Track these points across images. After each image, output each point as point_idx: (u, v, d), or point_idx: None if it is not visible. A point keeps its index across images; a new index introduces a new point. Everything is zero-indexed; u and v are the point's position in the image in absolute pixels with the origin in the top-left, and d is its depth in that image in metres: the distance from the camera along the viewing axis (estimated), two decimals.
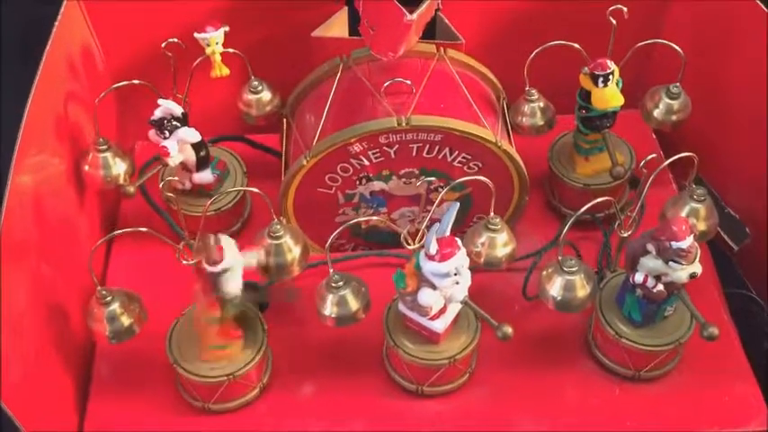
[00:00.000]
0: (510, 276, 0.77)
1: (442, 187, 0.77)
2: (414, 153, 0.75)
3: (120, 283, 0.76)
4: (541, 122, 0.80)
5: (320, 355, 0.74)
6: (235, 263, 0.63)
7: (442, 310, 0.67)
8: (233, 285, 0.64)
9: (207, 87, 0.78)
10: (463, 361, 0.70)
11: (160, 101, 0.73)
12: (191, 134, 0.75)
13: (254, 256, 0.65)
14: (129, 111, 0.85)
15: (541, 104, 0.79)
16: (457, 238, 0.64)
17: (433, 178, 0.76)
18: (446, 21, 0.81)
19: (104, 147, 0.75)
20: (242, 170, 0.82)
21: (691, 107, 0.79)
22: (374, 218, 0.70)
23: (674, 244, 0.62)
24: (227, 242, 0.63)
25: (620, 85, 0.76)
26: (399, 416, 0.71)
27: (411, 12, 0.70)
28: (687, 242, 0.62)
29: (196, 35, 0.74)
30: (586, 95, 0.76)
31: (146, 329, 0.68)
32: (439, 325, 0.68)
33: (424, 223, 0.66)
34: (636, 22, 0.76)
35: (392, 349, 0.70)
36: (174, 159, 0.75)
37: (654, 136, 0.90)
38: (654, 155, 0.67)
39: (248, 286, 0.75)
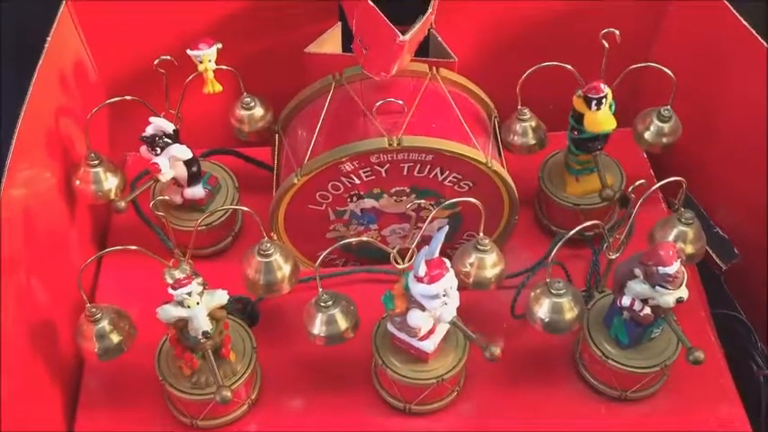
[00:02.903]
0: (498, 294, 0.77)
1: (432, 206, 0.78)
2: (405, 172, 0.75)
3: (110, 298, 0.77)
4: (533, 142, 0.80)
5: (309, 372, 0.74)
6: (191, 313, 0.64)
7: (431, 330, 0.68)
8: (198, 324, 0.64)
9: (200, 102, 0.78)
10: (451, 380, 0.70)
11: (151, 118, 0.73)
12: (182, 151, 0.75)
13: (224, 296, 0.65)
14: (122, 123, 0.85)
15: (533, 124, 0.80)
16: (445, 260, 0.64)
17: (422, 200, 0.76)
18: (439, 38, 0.82)
19: (96, 161, 0.75)
20: (234, 185, 0.83)
21: (681, 129, 0.80)
22: (364, 237, 0.70)
23: (661, 269, 0.63)
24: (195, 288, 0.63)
25: (613, 108, 0.77)
26: None
27: (404, 32, 0.70)
28: (674, 267, 0.63)
29: (189, 52, 0.74)
30: (579, 117, 0.77)
31: (135, 344, 0.68)
32: (428, 345, 0.68)
33: (414, 242, 0.67)
34: (628, 44, 0.76)
35: (380, 367, 0.70)
36: (165, 176, 0.75)
37: (644, 155, 0.91)
38: (642, 181, 0.67)
39: (238, 302, 0.76)
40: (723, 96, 0.84)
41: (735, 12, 0.79)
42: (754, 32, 0.77)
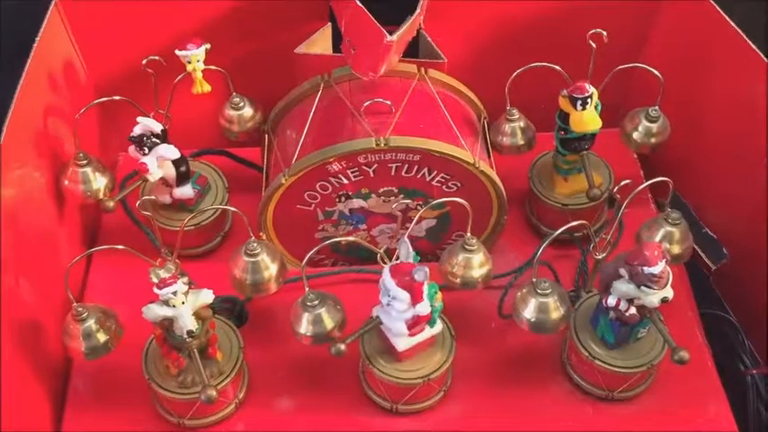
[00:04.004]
0: (486, 294, 0.78)
1: (420, 206, 0.78)
2: (393, 172, 0.75)
3: (100, 298, 0.77)
4: (522, 142, 0.80)
5: (296, 372, 0.74)
6: (177, 312, 0.64)
7: (421, 327, 0.68)
8: (183, 323, 0.65)
9: (189, 102, 0.78)
10: (438, 380, 0.70)
11: (139, 118, 0.73)
12: (170, 151, 0.75)
13: (209, 295, 0.65)
14: (113, 123, 0.85)
15: (522, 124, 0.80)
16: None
17: (409, 200, 0.76)
18: (429, 39, 0.82)
19: (84, 161, 0.75)
20: (223, 185, 0.83)
21: (669, 130, 0.80)
22: (351, 237, 0.70)
23: (646, 269, 0.63)
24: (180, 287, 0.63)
25: (599, 108, 0.77)
26: None
27: (392, 32, 0.70)
28: (659, 267, 0.63)
29: (177, 52, 0.75)
30: (565, 117, 0.77)
31: (123, 344, 0.68)
32: (400, 343, 0.68)
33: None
34: (618, 46, 0.76)
35: (367, 367, 0.70)
36: (153, 176, 0.75)
37: (634, 155, 0.91)
38: (628, 181, 0.68)
39: (227, 302, 0.77)
40: (714, 98, 0.84)
41: (723, 14, 0.79)
42: (742, 34, 0.77)
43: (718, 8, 0.80)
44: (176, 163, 0.77)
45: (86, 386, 0.73)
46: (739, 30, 0.77)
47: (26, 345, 0.68)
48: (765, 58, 0.75)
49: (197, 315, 0.65)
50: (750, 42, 0.77)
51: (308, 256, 0.65)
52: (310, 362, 0.74)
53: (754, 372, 0.80)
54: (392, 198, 0.78)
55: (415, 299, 0.64)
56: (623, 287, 0.66)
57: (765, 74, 0.75)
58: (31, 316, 0.70)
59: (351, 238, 0.68)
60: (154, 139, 0.74)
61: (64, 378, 0.74)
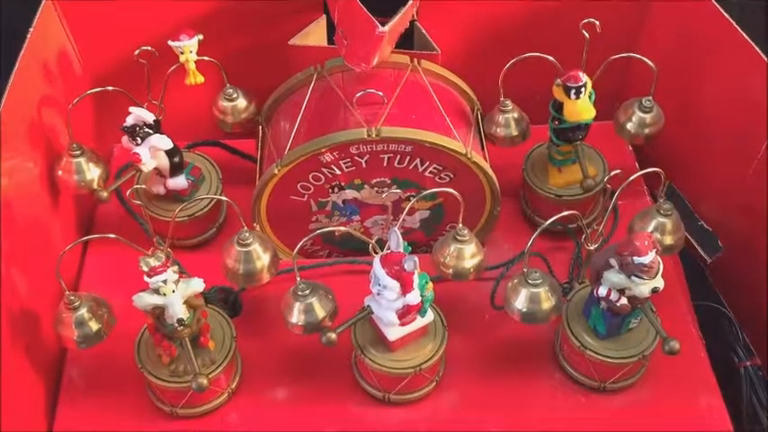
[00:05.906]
0: (480, 285, 0.78)
1: (413, 196, 0.78)
2: (385, 163, 0.75)
3: (94, 288, 0.77)
4: (515, 133, 0.80)
5: (289, 361, 0.75)
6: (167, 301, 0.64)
7: (412, 317, 0.68)
8: (174, 311, 0.65)
9: (183, 93, 0.78)
10: (429, 370, 0.70)
11: (131, 108, 0.73)
12: (162, 141, 0.75)
13: (199, 284, 0.66)
14: (108, 114, 0.85)
15: (516, 115, 0.80)
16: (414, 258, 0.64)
17: (400, 190, 0.76)
18: (423, 31, 0.82)
19: (78, 152, 0.75)
20: (217, 176, 0.83)
21: (663, 120, 0.80)
22: (342, 228, 0.70)
23: (636, 259, 0.63)
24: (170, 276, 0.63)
25: (593, 97, 0.77)
26: (367, 423, 0.72)
27: (384, 23, 0.71)
28: (649, 257, 0.63)
29: (170, 43, 0.75)
30: (559, 107, 0.77)
31: (118, 333, 0.68)
32: (392, 333, 0.68)
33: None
34: (614, 38, 0.76)
35: (359, 357, 0.70)
36: (146, 166, 0.75)
37: (630, 147, 0.91)
38: (618, 170, 0.68)
39: (221, 292, 0.77)
40: (710, 90, 0.84)
41: (718, 5, 0.79)
42: (737, 26, 0.77)
43: (714, 1, 0.79)
44: (170, 153, 0.77)
45: (81, 375, 0.74)
46: (733, 22, 0.77)
47: (21, 334, 0.69)
48: (759, 51, 0.75)
49: (188, 304, 0.66)
50: (744, 34, 0.77)
51: (299, 245, 0.66)
52: (304, 352, 0.74)
53: (749, 364, 0.80)
54: (385, 189, 0.78)
55: (406, 288, 0.64)
56: (614, 277, 0.65)
57: (760, 66, 0.75)
58: (27, 306, 0.71)
59: (342, 229, 0.68)
60: (146, 130, 0.74)
61: (59, 367, 0.74)
